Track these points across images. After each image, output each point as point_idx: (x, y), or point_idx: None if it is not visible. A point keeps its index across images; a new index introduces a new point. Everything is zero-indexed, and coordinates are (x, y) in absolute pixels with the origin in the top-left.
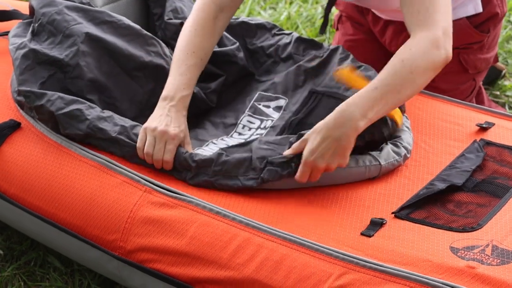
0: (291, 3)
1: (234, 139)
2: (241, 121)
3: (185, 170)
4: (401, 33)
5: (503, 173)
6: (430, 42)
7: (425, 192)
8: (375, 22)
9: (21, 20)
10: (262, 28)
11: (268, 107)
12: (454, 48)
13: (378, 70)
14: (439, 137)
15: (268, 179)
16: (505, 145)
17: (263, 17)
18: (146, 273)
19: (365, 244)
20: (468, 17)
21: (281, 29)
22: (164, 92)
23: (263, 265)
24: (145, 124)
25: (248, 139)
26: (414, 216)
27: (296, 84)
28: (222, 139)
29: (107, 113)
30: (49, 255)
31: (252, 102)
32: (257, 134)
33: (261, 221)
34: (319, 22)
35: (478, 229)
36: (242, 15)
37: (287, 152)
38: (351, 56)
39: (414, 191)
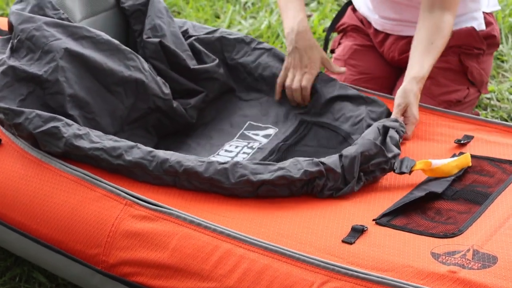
0: (271, 12)
1: (221, 157)
2: (228, 143)
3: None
4: (399, 42)
5: (483, 182)
6: (452, 21)
7: (405, 199)
8: (375, 35)
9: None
10: (241, 42)
11: (257, 135)
12: (457, 47)
13: (378, 75)
14: (420, 151)
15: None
16: (484, 156)
17: (243, 26)
18: (129, 286)
19: (346, 251)
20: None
21: (260, 43)
22: (286, 30)
23: (245, 276)
24: (284, 64)
25: (235, 157)
26: (395, 222)
27: (286, 116)
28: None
29: (83, 130)
30: (34, 271)
31: (242, 131)
32: (243, 153)
33: (241, 228)
34: None
35: (459, 235)
36: (223, 25)
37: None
38: (322, 73)
39: (394, 200)
